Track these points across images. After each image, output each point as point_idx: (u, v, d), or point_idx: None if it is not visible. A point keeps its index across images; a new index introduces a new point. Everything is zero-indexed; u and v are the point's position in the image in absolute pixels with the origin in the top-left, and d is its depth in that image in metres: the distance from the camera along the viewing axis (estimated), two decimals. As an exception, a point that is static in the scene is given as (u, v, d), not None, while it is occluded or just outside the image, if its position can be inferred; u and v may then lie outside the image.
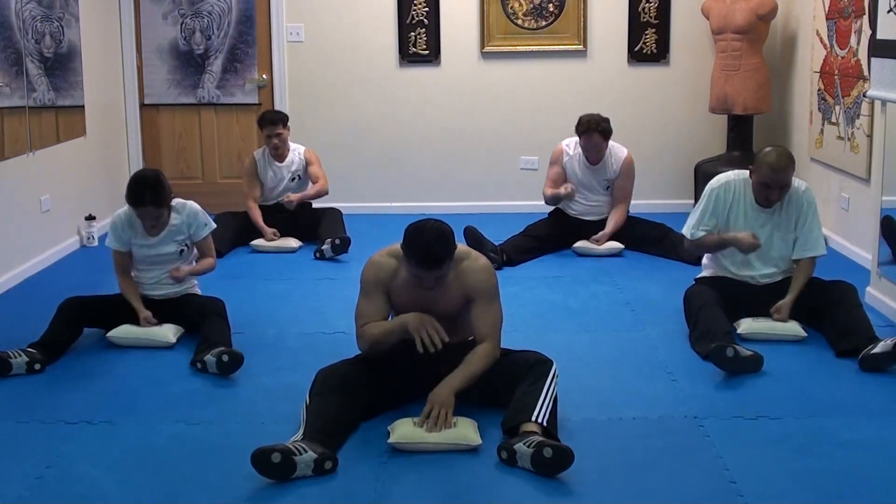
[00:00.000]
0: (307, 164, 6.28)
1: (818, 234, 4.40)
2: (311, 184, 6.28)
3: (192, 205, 4.50)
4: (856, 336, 4.06)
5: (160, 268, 4.44)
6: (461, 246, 3.56)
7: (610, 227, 5.89)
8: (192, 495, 3.00)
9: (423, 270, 3.34)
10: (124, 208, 4.41)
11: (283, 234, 6.17)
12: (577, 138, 5.90)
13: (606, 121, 5.80)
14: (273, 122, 6.16)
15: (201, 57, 7.16)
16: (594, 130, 5.76)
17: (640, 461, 3.19)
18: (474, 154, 7.23)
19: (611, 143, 5.89)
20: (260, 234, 6.14)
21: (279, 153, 6.24)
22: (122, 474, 3.13)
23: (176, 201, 4.45)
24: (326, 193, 6.30)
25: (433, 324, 3.36)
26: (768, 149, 4.36)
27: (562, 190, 5.89)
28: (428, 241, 3.31)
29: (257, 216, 6.18)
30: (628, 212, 5.97)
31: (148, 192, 4.23)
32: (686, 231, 4.49)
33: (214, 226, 4.58)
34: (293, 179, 6.27)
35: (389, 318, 3.57)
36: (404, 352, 3.46)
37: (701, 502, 2.94)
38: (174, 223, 4.41)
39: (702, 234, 4.41)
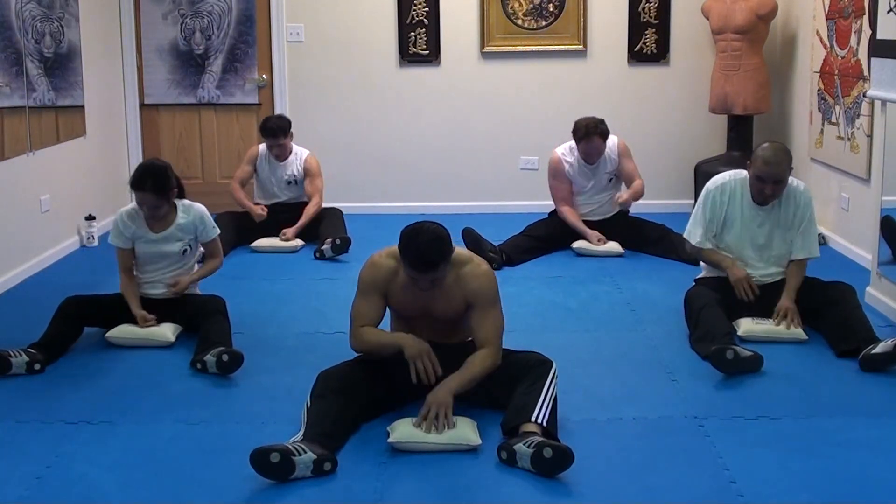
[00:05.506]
0: (306, 172, 6.25)
1: (814, 236, 4.41)
2: (305, 191, 6.24)
3: (200, 206, 4.52)
4: (856, 336, 4.06)
5: (161, 266, 4.44)
6: (463, 250, 3.57)
7: (629, 193, 5.85)
8: (192, 495, 3.00)
9: (418, 273, 3.34)
10: (127, 206, 4.45)
11: (284, 235, 6.18)
12: (569, 144, 5.90)
13: (602, 122, 5.81)
14: (273, 135, 6.14)
15: (201, 57, 7.16)
16: (594, 134, 5.75)
17: (640, 461, 3.19)
18: (474, 154, 7.23)
19: None
20: (260, 235, 6.13)
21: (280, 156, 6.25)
22: (122, 474, 3.13)
23: (183, 202, 4.47)
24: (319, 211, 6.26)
25: (430, 355, 3.38)
26: (765, 143, 4.38)
27: (596, 241, 5.84)
28: (423, 244, 3.30)
29: (242, 197, 6.21)
30: (643, 186, 5.93)
31: (150, 179, 4.26)
32: (692, 237, 4.48)
33: (219, 230, 4.61)
34: (289, 182, 6.26)
35: (387, 315, 3.58)
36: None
37: (701, 502, 2.94)
38: (181, 222, 4.42)
39: (709, 244, 4.43)
